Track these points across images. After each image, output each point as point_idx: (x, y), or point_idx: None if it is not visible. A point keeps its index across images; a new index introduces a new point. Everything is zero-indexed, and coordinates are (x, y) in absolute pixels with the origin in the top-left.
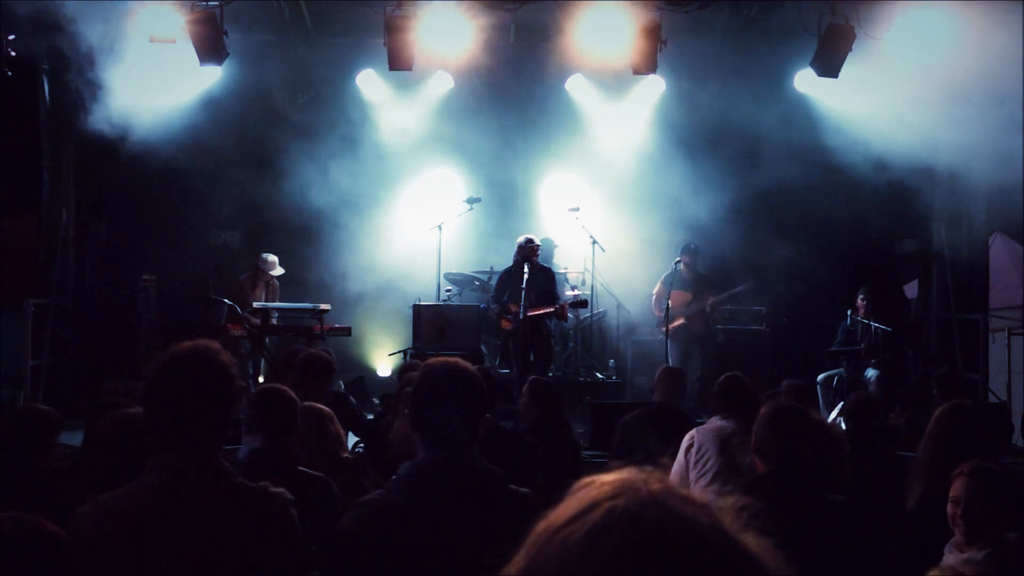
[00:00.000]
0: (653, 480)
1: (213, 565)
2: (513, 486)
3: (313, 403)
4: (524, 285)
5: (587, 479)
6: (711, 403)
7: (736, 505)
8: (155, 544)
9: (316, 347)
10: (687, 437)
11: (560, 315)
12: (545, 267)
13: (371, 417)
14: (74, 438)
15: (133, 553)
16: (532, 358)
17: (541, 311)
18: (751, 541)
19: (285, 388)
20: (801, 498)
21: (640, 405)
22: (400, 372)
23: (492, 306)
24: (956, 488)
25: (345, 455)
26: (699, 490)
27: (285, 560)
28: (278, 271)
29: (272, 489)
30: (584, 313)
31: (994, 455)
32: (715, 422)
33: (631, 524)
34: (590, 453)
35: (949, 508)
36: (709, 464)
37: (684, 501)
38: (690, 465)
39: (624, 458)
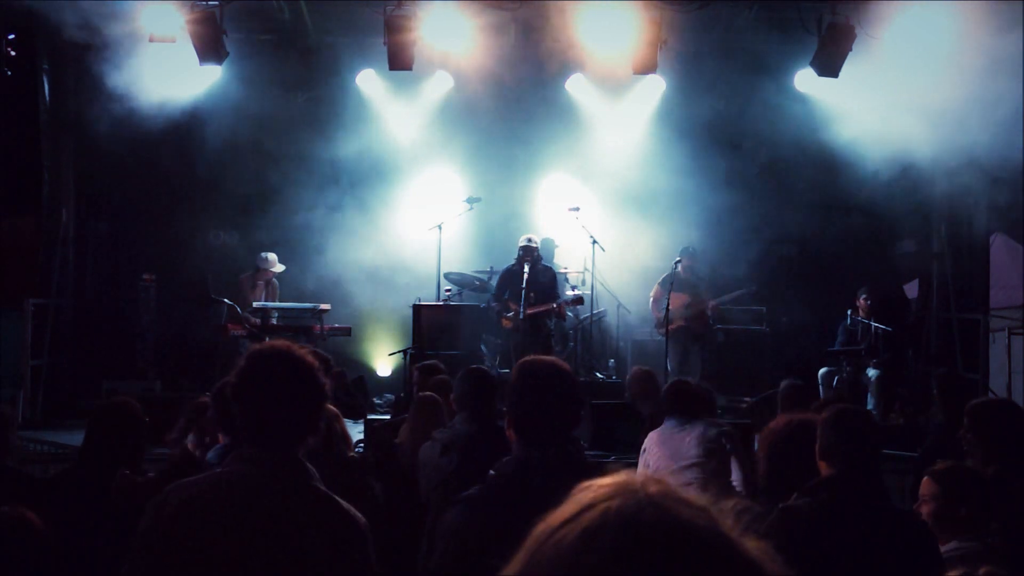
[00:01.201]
0: (651, 482)
1: (277, 562)
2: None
3: None
4: (524, 284)
5: (587, 482)
6: (663, 407)
7: (736, 508)
8: (227, 533)
9: (317, 346)
10: (643, 446)
11: (558, 313)
12: (546, 267)
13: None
14: (74, 438)
15: (205, 539)
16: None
17: (540, 309)
18: (750, 544)
19: None
20: (867, 501)
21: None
22: (423, 373)
23: (493, 304)
24: (923, 487)
25: (351, 454)
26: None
27: (348, 563)
28: (278, 268)
29: (350, 510)
30: (584, 313)
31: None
32: (666, 424)
33: (625, 525)
34: (591, 453)
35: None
36: (658, 461)
37: (682, 503)
38: (640, 466)
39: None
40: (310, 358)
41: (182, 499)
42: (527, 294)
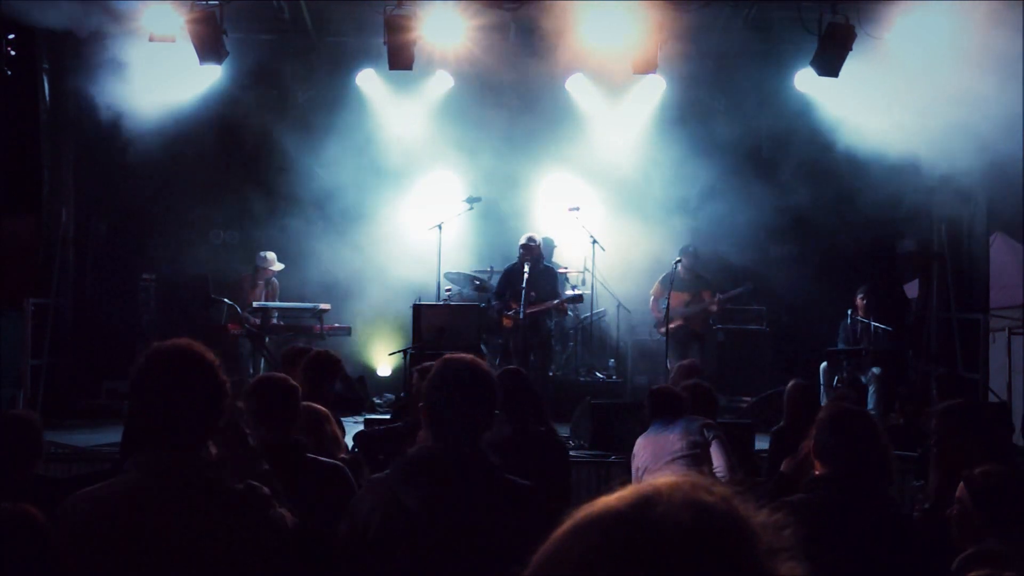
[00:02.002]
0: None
1: (191, 562)
2: (511, 477)
3: (311, 403)
4: (524, 284)
5: (589, 507)
6: (647, 412)
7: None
8: (136, 539)
9: (317, 346)
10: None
11: (560, 309)
12: (547, 266)
13: (372, 416)
14: (74, 438)
15: (114, 547)
16: (532, 357)
17: (540, 308)
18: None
19: (285, 377)
20: (858, 501)
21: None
22: (423, 375)
23: (494, 303)
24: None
25: (343, 456)
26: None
27: (264, 558)
28: (277, 267)
29: (251, 487)
30: (584, 313)
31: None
32: (651, 428)
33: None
34: (591, 453)
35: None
36: (644, 463)
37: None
38: (637, 475)
39: None
40: (210, 356)
41: (87, 506)
42: (527, 293)
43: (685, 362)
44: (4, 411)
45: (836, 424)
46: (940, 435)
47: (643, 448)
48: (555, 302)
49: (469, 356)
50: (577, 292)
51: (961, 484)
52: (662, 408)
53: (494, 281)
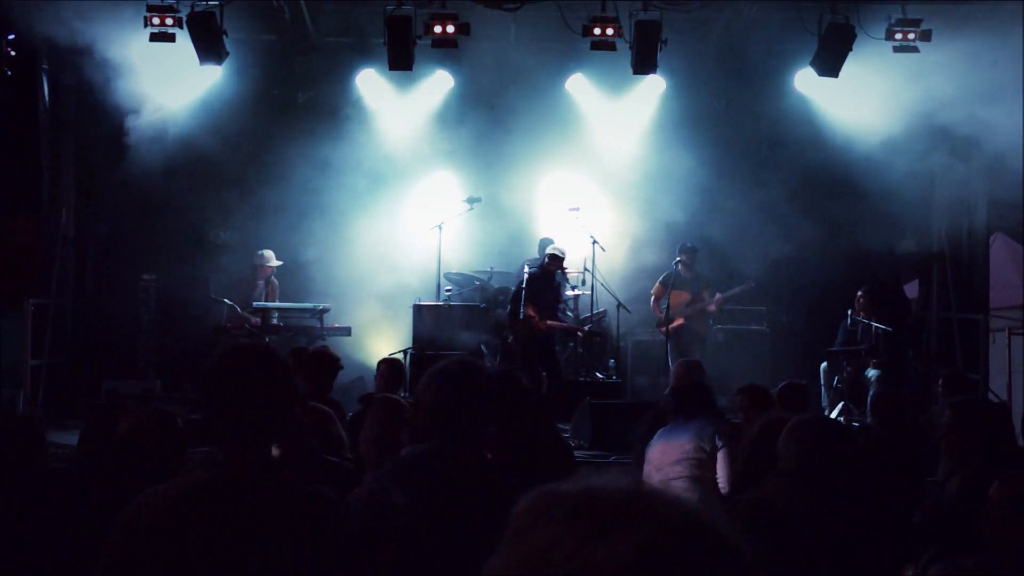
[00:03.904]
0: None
1: (256, 562)
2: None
3: (317, 404)
4: (557, 295)
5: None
6: (670, 405)
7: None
8: (203, 538)
9: (317, 346)
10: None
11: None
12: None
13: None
14: (74, 438)
15: (181, 545)
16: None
17: (563, 326)
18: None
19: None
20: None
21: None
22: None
23: (522, 309)
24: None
25: (348, 456)
26: (659, 482)
27: (320, 562)
28: (275, 263)
29: (318, 490)
30: (584, 313)
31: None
32: (670, 423)
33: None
34: (591, 453)
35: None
36: (659, 458)
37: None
38: (652, 470)
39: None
40: (279, 356)
41: (156, 503)
42: (557, 304)
43: (687, 360)
44: (7, 412)
45: (798, 433)
46: (951, 428)
47: (657, 442)
48: (579, 333)
49: (463, 357)
50: (579, 294)
51: (997, 485)
52: (682, 405)
53: (494, 281)
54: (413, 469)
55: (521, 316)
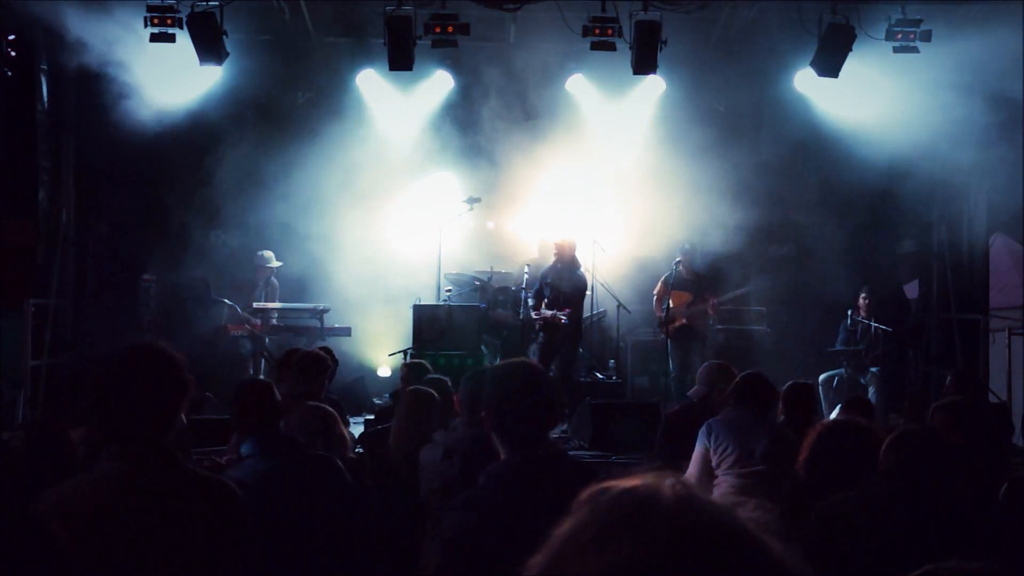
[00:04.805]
0: (676, 484)
1: (167, 551)
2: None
3: (319, 403)
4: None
5: (602, 486)
6: (726, 396)
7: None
8: (112, 530)
9: (316, 346)
10: (704, 427)
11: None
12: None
13: (371, 417)
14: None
15: (92, 539)
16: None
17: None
18: (776, 544)
19: (257, 379)
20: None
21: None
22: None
23: (530, 302)
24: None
25: (351, 455)
26: (720, 474)
27: (230, 549)
28: (275, 264)
29: (222, 479)
30: (584, 313)
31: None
32: (729, 413)
33: (668, 526)
34: (591, 454)
35: None
36: (727, 451)
37: (710, 504)
38: (711, 453)
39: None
40: (168, 351)
41: (62, 500)
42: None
43: (715, 361)
44: (33, 420)
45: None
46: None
47: (727, 436)
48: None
49: (526, 360)
50: (601, 310)
51: (1007, 487)
52: (754, 397)
53: (494, 282)
54: (508, 481)
55: (531, 310)
